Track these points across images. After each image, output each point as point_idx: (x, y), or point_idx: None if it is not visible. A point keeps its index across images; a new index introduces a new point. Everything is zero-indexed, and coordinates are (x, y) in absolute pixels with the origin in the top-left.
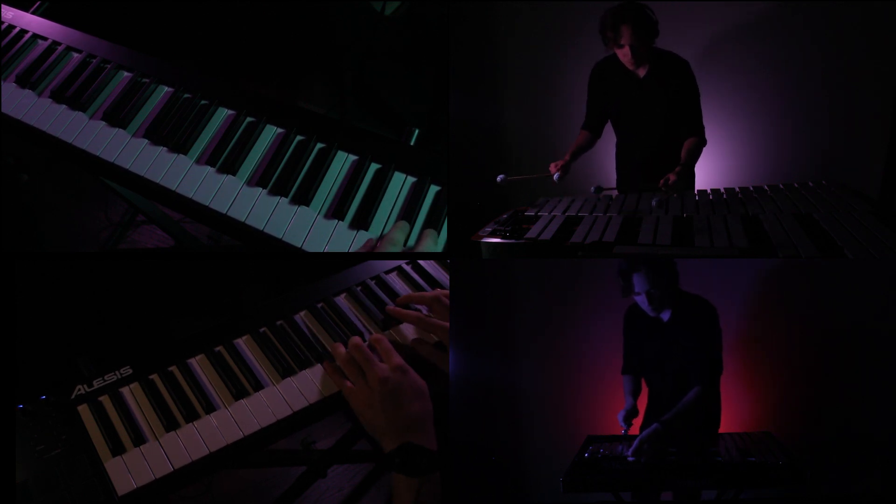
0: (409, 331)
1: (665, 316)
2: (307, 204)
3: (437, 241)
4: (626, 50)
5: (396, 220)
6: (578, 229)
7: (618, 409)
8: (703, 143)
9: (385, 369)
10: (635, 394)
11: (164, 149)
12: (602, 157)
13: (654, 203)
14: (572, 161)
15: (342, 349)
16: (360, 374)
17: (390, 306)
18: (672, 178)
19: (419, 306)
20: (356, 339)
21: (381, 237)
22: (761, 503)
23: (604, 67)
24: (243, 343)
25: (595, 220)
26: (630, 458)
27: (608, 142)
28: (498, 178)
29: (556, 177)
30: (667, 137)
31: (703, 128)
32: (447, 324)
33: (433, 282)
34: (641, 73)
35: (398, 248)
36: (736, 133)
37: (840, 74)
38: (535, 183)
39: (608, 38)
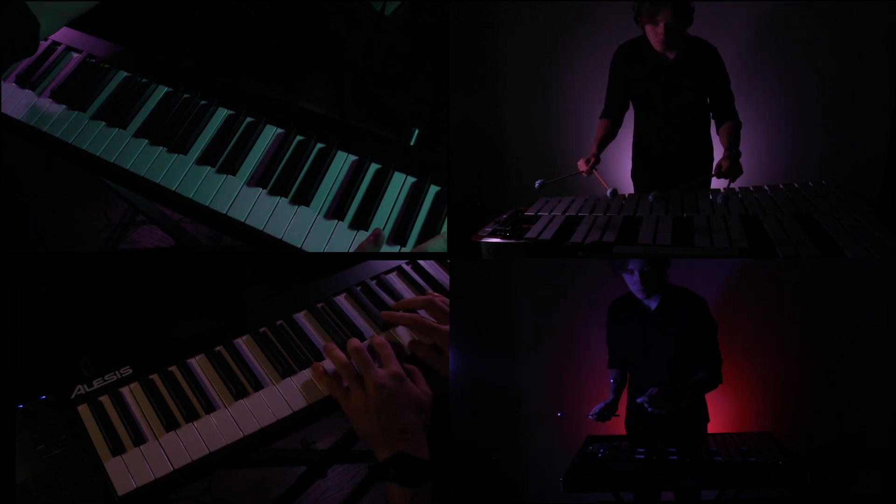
0: (406, 333)
1: (652, 304)
2: (307, 204)
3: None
4: (661, 28)
5: (396, 221)
6: (578, 229)
7: (618, 408)
8: (739, 125)
9: (383, 375)
10: (619, 390)
11: (164, 149)
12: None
13: (719, 200)
14: (600, 153)
15: (339, 352)
16: (356, 379)
17: (385, 311)
18: (725, 163)
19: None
20: (356, 343)
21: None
22: (761, 503)
23: (629, 50)
24: (243, 343)
25: (595, 220)
26: (638, 400)
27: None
28: (536, 184)
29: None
30: (691, 124)
31: (735, 112)
32: (444, 327)
33: (433, 282)
34: (671, 56)
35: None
36: None
37: (840, 74)
38: (570, 182)
39: (644, 12)
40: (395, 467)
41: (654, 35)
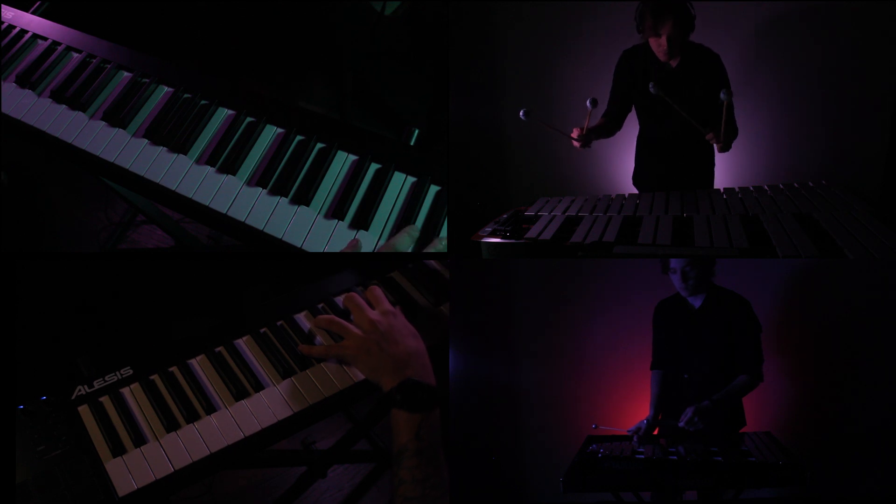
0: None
1: (696, 303)
2: (307, 204)
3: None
4: (663, 41)
5: (396, 221)
6: (578, 229)
7: (618, 408)
8: (737, 132)
9: (376, 313)
10: (659, 404)
11: (164, 149)
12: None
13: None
14: (587, 135)
15: (323, 315)
16: (348, 327)
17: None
18: (712, 135)
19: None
20: (351, 293)
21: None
22: (761, 503)
23: (632, 56)
24: (243, 343)
25: (595, 219)
26: (680, 424)
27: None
28: (521, 113)
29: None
30: (693, 130)
31: (734, 122)
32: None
33: (433, 282)
34: (673, 64)
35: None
36: None
37: (840, 74)
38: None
39: (646, 26)
40: (403, 393)
41: (658, 46)
